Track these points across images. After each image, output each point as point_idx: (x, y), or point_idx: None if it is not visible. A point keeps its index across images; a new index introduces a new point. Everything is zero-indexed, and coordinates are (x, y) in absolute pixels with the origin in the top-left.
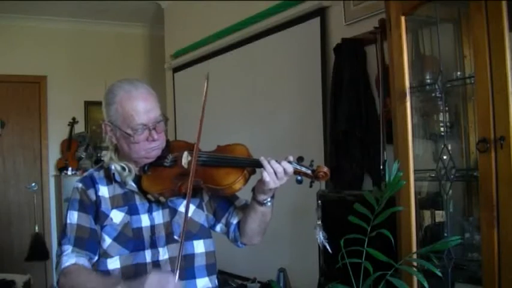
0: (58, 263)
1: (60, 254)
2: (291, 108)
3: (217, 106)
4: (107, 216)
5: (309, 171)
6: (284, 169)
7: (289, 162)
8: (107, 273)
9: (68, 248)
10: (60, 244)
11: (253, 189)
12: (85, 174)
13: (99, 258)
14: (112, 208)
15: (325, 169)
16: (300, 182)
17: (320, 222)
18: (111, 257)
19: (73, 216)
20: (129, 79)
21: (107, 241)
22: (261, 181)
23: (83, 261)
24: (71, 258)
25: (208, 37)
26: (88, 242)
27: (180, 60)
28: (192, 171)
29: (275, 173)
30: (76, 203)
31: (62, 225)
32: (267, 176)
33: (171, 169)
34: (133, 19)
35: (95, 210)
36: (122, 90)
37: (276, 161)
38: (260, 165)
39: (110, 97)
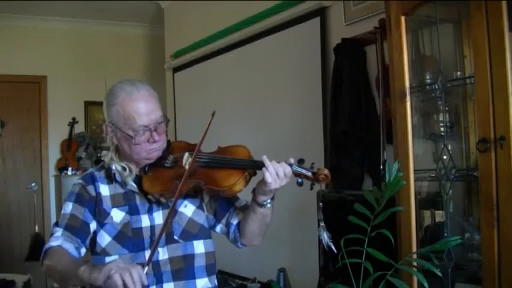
0: (44, 247)
1: (50, 236)
2: (291, 108)
3: (217, 106)
4: (107, 214)
5: (310, 174)
6: (284, 170)
7: (290, 164)
8: None
9: (59, 231)
10: (51, 233)
11: (254, 191)
12: (85, 172)
13: (97, 256)
14: (113, 207)
15: (326, 171)
16: (300, 184)
17: (323, 224)
18: (110, 255)
19: (68, 207)
20: (130, 80)
21: (107, 239)
22: (262, 181)
23: (69, 246)
24: (58, 240)
25: (208, 37)
26: (78, 231)
27: (180, 60)
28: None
29: (276, 174)
30: (73, 195)
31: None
32: (269, 177)
33: (172, 170)
34: (133, 19)
35: (94, 206)
36: (123, 92)
37: (277, 162)
38: (260, 166)
39: (111, 98)
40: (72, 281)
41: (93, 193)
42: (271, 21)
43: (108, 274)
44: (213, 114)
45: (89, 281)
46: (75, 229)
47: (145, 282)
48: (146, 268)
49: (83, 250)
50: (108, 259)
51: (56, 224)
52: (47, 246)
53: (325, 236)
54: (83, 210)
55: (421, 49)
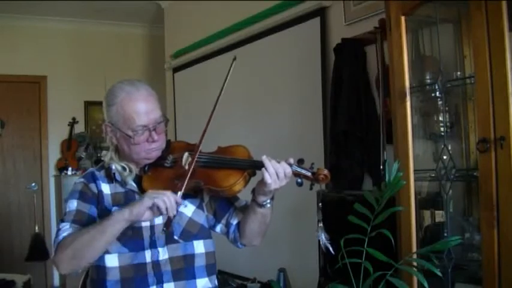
0: (56, 242)
1: (57, 232)
2: (291, 108)
3: (217, 106)
4: (108, 212)
5: (309, 174)
6: (284, 170)
7: (290, 164)
8: (104, 269)
9: (66, 225)
10: (58, 229)
11: (253, 191)
12: (86, 172)
13: None
14: (113, 205)
15: (326, 172)
16: (300, 184)
17: (321, 225)
18: (109, 253)
19: (72, 204)
20: (130, 80)
21: None
22: (262, 182)
23: None
24: (68, 231)
25: (208, 37)
26: (86, 224)
27: (180, 60)
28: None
29: (276, 174)
30: (77, 193)
31: (62, 216)
32: (269, 178)
33: (172, 170)
34: (133, 19)
35: (97, 203)
36: (122, 92)
37: (277, 161)
38: (260, 167)
39: (111, 98)
40: (108, 235)
41: (95, 190)
42: (271, 21)
43: (151, 203)
44: (234, 59)
45: (130, 217)
46: (83, 222)
47: (181, 203)
48: (179, 193)
49: None
50: (107, 257)
51: (62, 221)
52: (59, 238)
53: (323, 237)
54: (88, 206)
55: (421, 49)
